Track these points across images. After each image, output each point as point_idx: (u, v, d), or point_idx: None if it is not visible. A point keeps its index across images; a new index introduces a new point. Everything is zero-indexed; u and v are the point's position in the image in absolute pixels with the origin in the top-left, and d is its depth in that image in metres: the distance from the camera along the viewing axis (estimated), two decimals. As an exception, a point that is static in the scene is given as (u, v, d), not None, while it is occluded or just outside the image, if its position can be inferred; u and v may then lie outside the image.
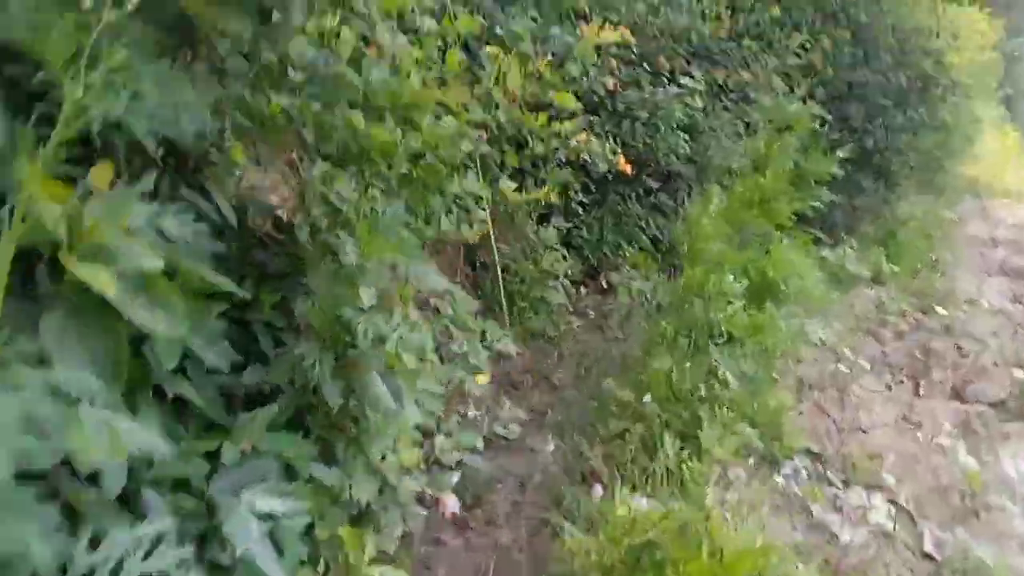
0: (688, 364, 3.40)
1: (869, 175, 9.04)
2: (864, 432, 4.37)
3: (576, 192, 5.85)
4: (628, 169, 4.52)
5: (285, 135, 2.16)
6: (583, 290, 6.16)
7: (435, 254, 5.09)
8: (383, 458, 2.54)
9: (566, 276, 5.63)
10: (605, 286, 6.27)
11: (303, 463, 2.18)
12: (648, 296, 5.08)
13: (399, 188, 2.64)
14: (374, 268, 2.24)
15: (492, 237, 4.96)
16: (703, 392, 3.44)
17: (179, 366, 1.97)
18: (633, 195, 6.62)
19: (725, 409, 3.49)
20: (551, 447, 4.32)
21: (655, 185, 6.64)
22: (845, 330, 6.00)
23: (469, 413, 4.14)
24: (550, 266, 5.32)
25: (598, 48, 5.94)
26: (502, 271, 5.13)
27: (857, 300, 6.77)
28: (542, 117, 2.79)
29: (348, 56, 2.55)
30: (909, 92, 8.96)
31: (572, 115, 3.83)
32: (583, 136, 4.33)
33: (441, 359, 4.20)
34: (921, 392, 4.99)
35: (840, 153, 5.50)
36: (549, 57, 2.97)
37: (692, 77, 6.04)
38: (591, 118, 6.04)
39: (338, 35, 2.54)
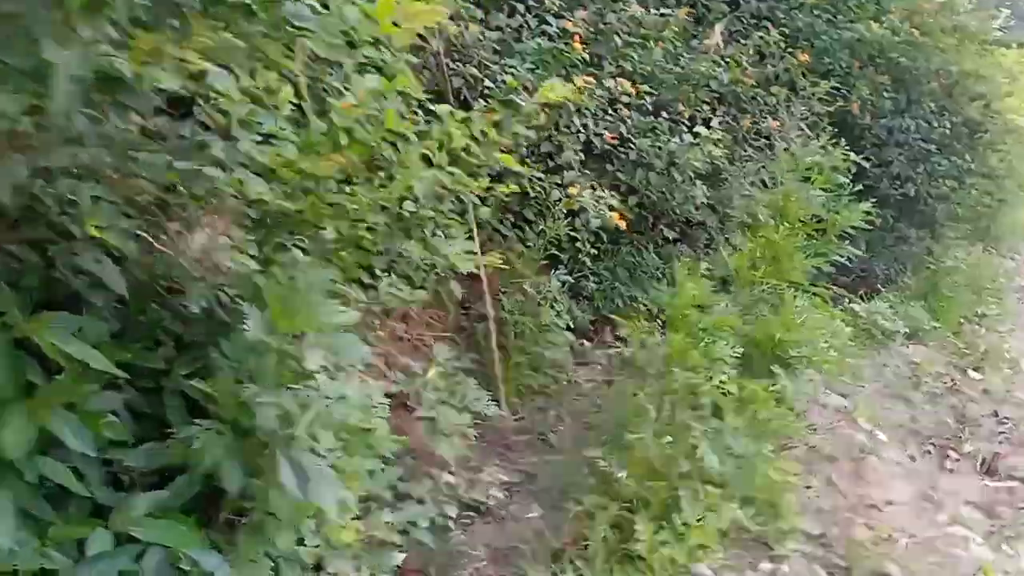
0: (668, 438, 3.14)
1: (912, 224, 8.63)
2: (877, 510, 4.01)
3: (584, 243, 5.64)
4: (623, 224, 4.30)
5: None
6: (590, 343, 5.91)
7: (427, 307, 4.94)
8: (301, 542, 2.35)
9: (570, 328, 5.40)
10: (615, 339, 6.01)
11: (191, 550, 2.00)
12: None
13: (335, 253, 2.48)
14: (280, 341, 2.07)
15: (485, 289, 4.79)
16: (685, 468, 3.17)
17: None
18: (649, 245, 6.39)
19: (710, 487, 3.21)
20: (534, 515, 4.07)
21: (672, 235, 6.39)
22: (873, 393, 5.62)
23: (445, 478, 3.91)
24: (552, 319, 5.10)
25: (612, 102, 5.82)
26: (498, 324, 4.94)
27: (890, 359, 6.36)
28: (482, 180, 2.61)
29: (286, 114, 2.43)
30: (955, 138, 8.56)
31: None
32: (574, 190, 4.14)
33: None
34: (947, 465, 4.60)
35: (864, 206, 5.17)
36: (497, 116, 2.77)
37: (709, 126, 5.80)
38: (606, 167, 5.86)
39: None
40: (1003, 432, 5.12)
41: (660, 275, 6.28)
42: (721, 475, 3.34)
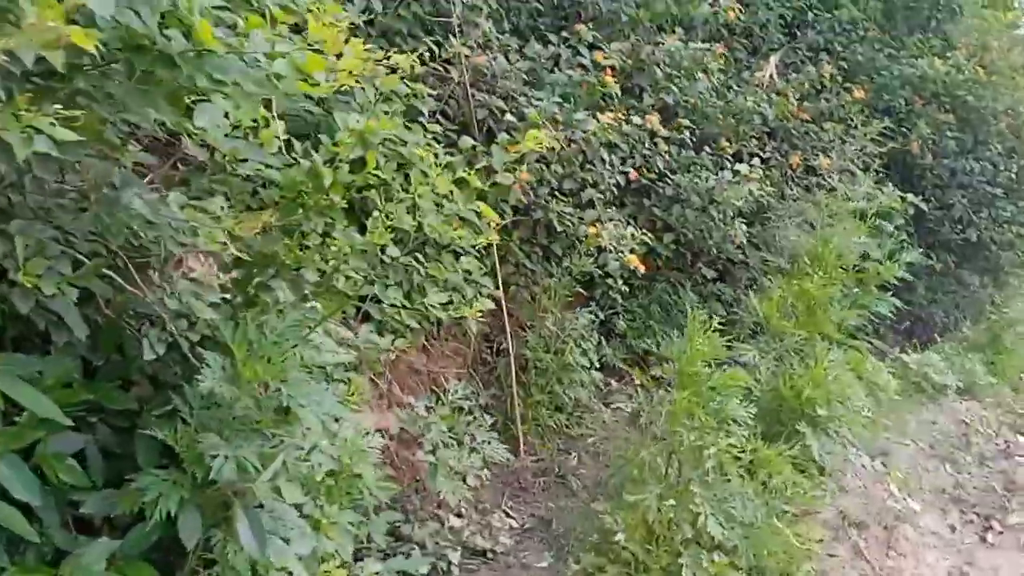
0: (671, 501, 2.97)
1: (974, 270, 8.23)
2: (907, 586, 3.76)
3: (616, 279, 5.48)
4: (642, 267, 4.14)
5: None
6: (619, 383, 5.74)
7: (448, 339, 4.85)
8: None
9: (598, 368, 5.24)
10: (645, 380, 5.82)
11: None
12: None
13: (315, 295, 2.41)
14: (246, 390, 2.00)
15: (506, 324, 4.68)
16: (689, 534, 2.99)
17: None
18: (687, 283, 6.20)
19: (717, 555, 3.03)
20: (544, 564, 3.93)
21: (711, 274, 6.19)
22: (916, 453, 5.32)
23: (451, 522, 3.80)
24: (576, 358, 4.95)
25: (652, 135, 5.67)
26: (519, 361, 4.82)
27: (940, 416, 6.03)
28: (460, 229, 2.51)
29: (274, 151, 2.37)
30: (1022, 182, 8.15)
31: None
32: (593, 229, 4.01)
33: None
34: (989, 538, 4.29)
35: (912, 255, 4.91)
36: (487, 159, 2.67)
37: (751, 164, 5.61)
38: (643, 202, 5.71)
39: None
40: (1056, 502, 4.77)
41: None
42: (729, 543, 3.15)
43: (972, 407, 6.27)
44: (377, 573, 2.94)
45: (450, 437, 3.78)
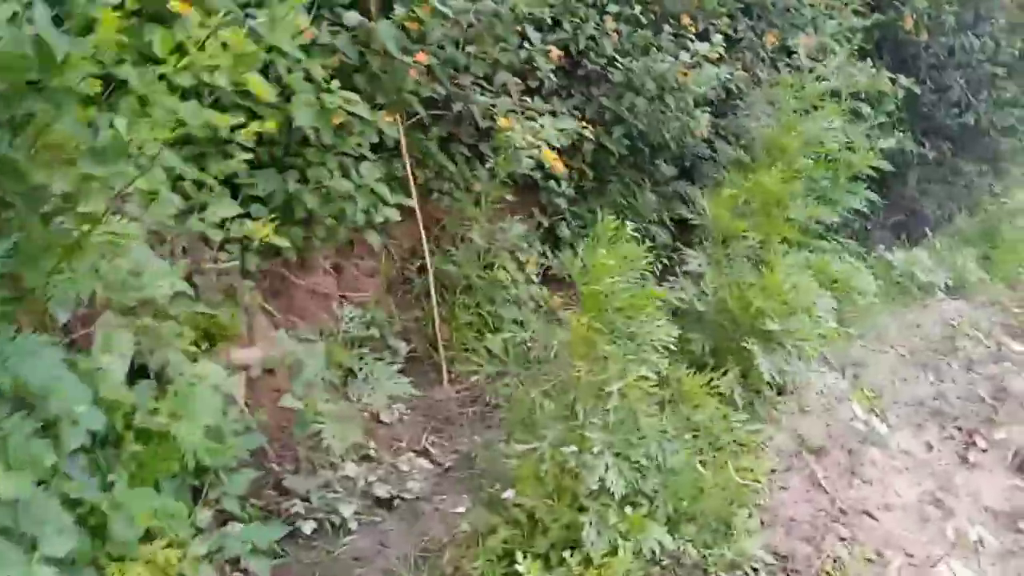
0: (572, 448, 2.45)
1: (971, 159, 7.54)
2: (869, 519, 3.28)
3: (559, 182, 4.87)
4: (560, 167, 3.51)
5: None
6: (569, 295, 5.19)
7: (365, 257, 4.28)
8: None
9: (540, 283, 4.70)
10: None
11: None
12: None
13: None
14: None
15: (423, 236, 4.10)
16: (594, 485, 2.49)
17: None
18: (648, 182, 5.58)
19: (630, 508, 2.53)
20: (462, 509, 3.45)
21: (672, 172, 5.56)
22: (896, 361, 4.80)
23: (344, 470, 3.32)
24: (511, 272, 4.40)
25: (600, 9, 4.94)
26: (442, 278, 4.27)
27: (925, 318, 5.48)
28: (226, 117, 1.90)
29: None
30: (1025, 60, 7.38)
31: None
32: (504, 121, 3.38)
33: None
34: (971, 457, 3.80)
35: (882, 143, 4.27)
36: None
37: (713, 43, 4.89)
38: (592, 91, 5.04)
39: None
40: (1050, 414, 4.26)
41: (658, 218, 5.51)
42: (643, 492, 2.65)
43: (961, 307, 5.72)
44: (220, 548, 2.44)
45: (337, 373, 3.27)
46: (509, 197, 4.72)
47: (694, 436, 2.79)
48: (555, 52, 3.91)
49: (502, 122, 3.44)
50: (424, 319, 4.25)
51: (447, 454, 3.88)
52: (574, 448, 2.47)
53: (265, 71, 3.17)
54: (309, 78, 3.22)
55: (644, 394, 2.46)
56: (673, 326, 2.68)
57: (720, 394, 3.10)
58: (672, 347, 2.64)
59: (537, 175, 4.86)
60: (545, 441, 2.43)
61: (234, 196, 3.24)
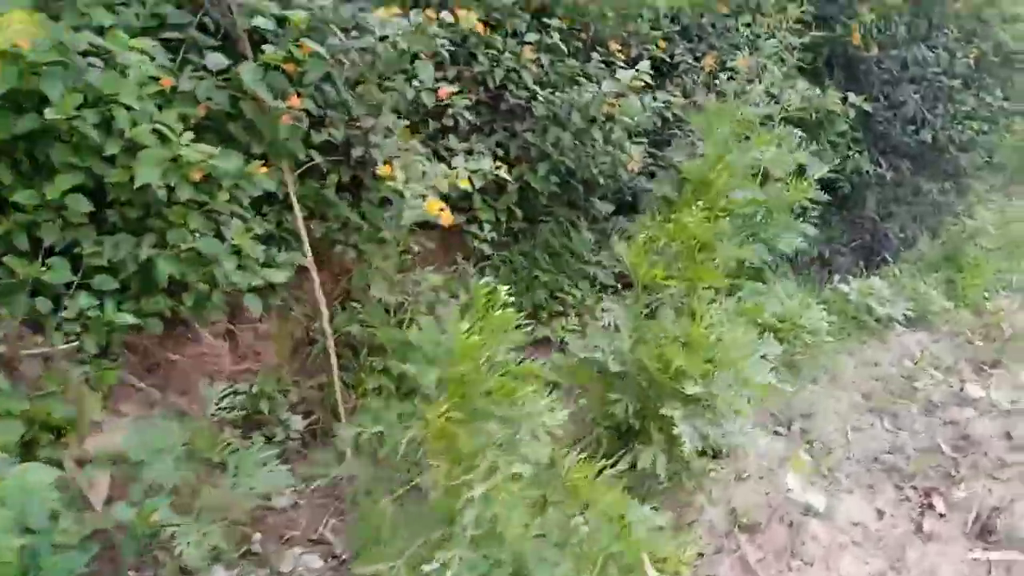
0: (435, 565, 2.06)
1: (932, 177, 7.25)
2: (809, 609, 2.91)
3: (481, 227, 4.52)
4: (447, 220, 3.13)
5: None
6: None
7: (262, 322, 3.89)
8: None
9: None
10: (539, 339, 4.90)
11: None
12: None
13: None
14: None
15: (319, 296, 3.71)
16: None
17: None
18: (585, 220, 5.23)
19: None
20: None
21: (607, 209, 5.21)
22: (849, 409, 4.43)
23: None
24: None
25: (515, 36, 4.60)
26: (342, 340, 3.89)
27: (883, 355, 5.14)
28: None
29: None
30: (984, 70, 7.12)
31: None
32: (385, 169, 3.01)
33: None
34: (926, 525, 3.43)
35: (818, 172, 3.94)
36: None
37: (638, 69, 4.55)
38: (515, 126, 4.69)
39: None
40: (1016, 464, 3.89)
41: (591, 260, 5.16)
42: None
43: (923, 340, 5.37)
44: None
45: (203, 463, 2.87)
46: (429, 244, 4.37)
47: (581, 542, 2.40)
48: (444, 90, 3.54)
49: (382, 170, 3.06)
50: (329, 385, 3.86)
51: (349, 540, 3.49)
52: (436, 565, 2.08)
53: (108, 125, 2.82)
54: (157, 131, 2.84)
55: (516, 498, 2.07)
56: (562, 406, 2.31)
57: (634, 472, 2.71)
58: (560, 431, 2.26)
59: (461, 219, 4.53)
60: (400, 560, 2.04)
61: (74, 268, 2.86)
